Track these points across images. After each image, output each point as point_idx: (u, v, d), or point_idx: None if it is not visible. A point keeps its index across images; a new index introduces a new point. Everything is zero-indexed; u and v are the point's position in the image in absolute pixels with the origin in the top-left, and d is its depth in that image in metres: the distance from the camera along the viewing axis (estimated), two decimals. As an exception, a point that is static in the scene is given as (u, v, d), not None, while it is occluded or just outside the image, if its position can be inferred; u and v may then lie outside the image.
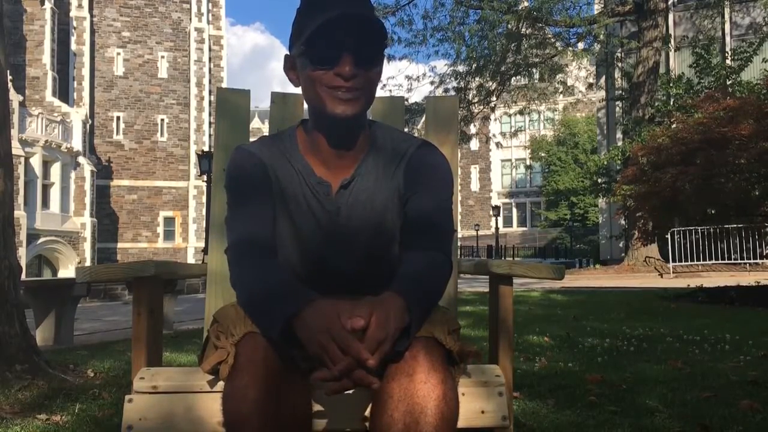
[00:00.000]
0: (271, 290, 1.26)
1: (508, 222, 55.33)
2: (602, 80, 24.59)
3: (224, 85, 39.88)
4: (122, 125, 39.41)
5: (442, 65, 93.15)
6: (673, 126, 12.12)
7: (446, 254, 1.40)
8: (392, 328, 1.13)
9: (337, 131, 1.40)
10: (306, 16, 1.35)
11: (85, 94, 37.72)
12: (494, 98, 22.66)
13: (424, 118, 2.11)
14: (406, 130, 1.64)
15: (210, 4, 41.64)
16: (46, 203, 31.28)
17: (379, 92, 1.45)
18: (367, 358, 1.08)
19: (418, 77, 22.47)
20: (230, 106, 1.99)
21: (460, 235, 4.96)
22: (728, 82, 16.73)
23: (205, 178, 24.03)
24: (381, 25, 1.34)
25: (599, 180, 22.17)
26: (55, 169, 31.79)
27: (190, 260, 36.19)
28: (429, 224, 1.40)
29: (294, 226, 1.43)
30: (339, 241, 1.43)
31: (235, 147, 1.49)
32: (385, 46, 1.40)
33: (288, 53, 1.43)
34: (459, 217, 16.85)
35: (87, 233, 33.43)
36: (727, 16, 21.35)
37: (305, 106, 1.97)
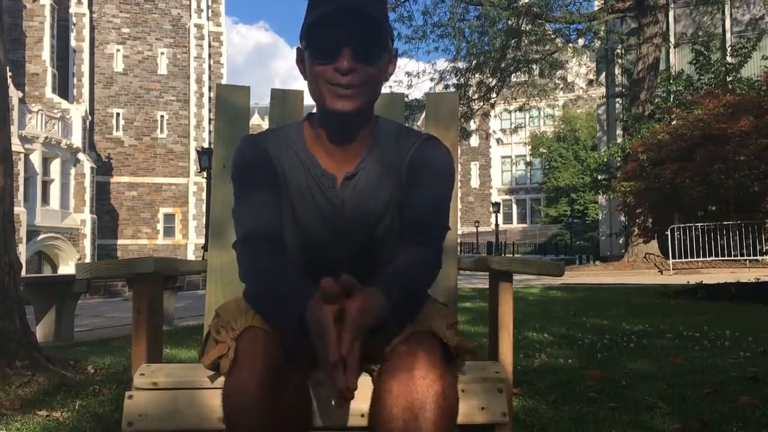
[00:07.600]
0: (285, 284, 1.26)
1: (508, 218, 55.32)
2: (602, 77, 24.55)
3: (224, 81, 39.77)
4: (122, 122, 39.36)
5: (442, 62, 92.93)
6: (673, 122, 12.10)
7: (437, 251, 1.41)
8: (368, 318, 1.12)
9: (337, 126, 1.40)
10: (310, 11, 1.35)
11: (85, 90, 37.65)
12: (494, 94, 22.61)
13: (424, 115, 2.11)
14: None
15: (209, 1, 41.57)
16: (45, 200, 31.27)
17: (380, 89, 1.44)
18: (337, 352, 1.06)
19: (418, 73, 22.37)
20: (230, 102, 1.98)
21: (459, 232, 4.96)
22: (728, 79, 16.72)
23: (205, 174, 24.01)
24: (381, 18, 1.33)
25: (599, 176, 22.15)
26: (55, 166, 31.78)
27: (190, 257, 36.18)
28: (424, 221, 1.40)
29: (296, 217, 1.43)
30: (341, 233, 1.43)
31: (241, 137, 1.49)
32: (386, 40, 1.38)
33: (299, 46, 1.44)
34: (459, 213, 16.84)
35: (87, 230, 33.43)
36: (727, 13, 21.30)
37: (305, 102, 1.98)
